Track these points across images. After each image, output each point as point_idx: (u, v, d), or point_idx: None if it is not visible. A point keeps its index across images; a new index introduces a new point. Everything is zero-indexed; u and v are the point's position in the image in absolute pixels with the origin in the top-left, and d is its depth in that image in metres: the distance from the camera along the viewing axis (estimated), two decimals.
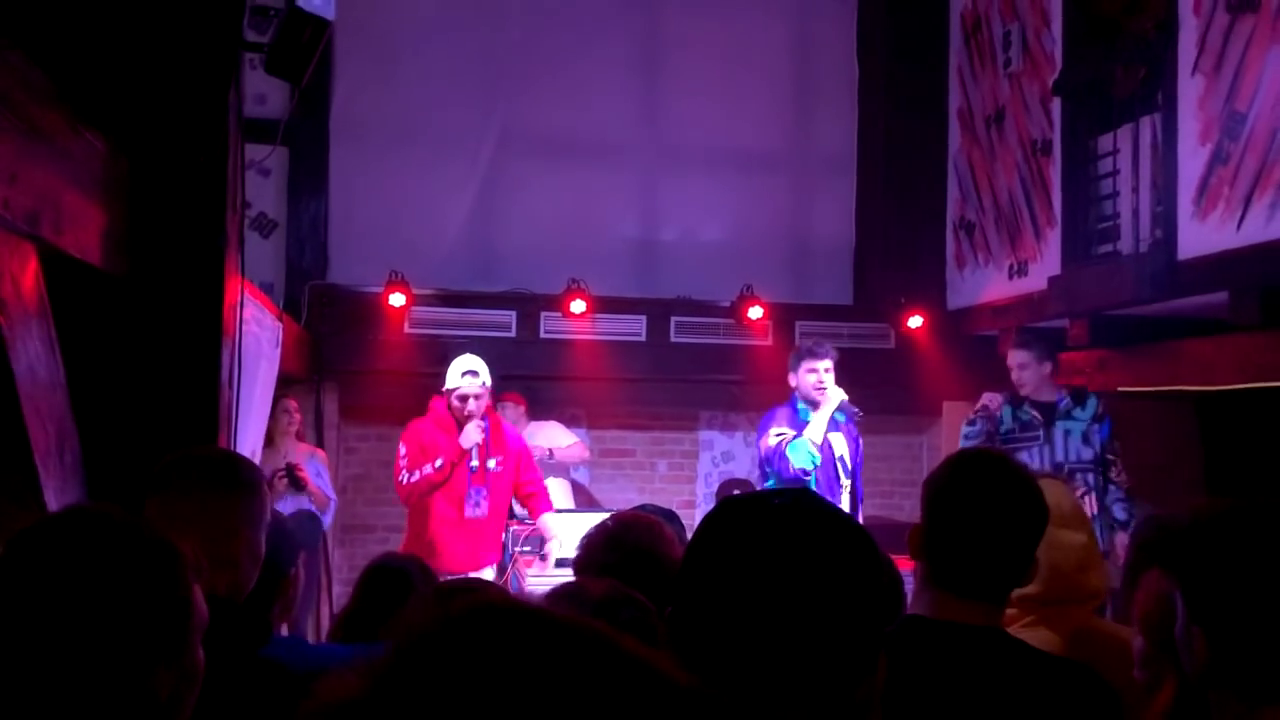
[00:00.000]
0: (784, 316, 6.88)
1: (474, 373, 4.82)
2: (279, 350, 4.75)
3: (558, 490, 6.04)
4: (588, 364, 6.71)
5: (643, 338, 6.84)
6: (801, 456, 4.59)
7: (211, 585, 1.58)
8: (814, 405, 4.75)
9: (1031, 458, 4.95)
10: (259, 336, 4.14)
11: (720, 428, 7.41)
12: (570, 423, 6.93)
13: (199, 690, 1.24)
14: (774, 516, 1.06)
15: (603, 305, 6.68)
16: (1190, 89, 4.72)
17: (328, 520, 5.85)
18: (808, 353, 4.81)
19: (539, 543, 5.15)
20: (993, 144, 6.54)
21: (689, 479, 7.39)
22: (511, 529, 5.23)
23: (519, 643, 0.56)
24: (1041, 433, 5.17)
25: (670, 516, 2.67)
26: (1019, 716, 1.56)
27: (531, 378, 6.54)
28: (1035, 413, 5.21)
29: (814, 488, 4.37)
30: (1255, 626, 1.22)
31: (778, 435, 4.69)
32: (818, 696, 1.00)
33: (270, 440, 5.75)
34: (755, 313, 6.71)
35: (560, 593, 1.67)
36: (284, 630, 2.38)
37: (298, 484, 5.52)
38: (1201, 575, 1.27)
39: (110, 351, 2.82)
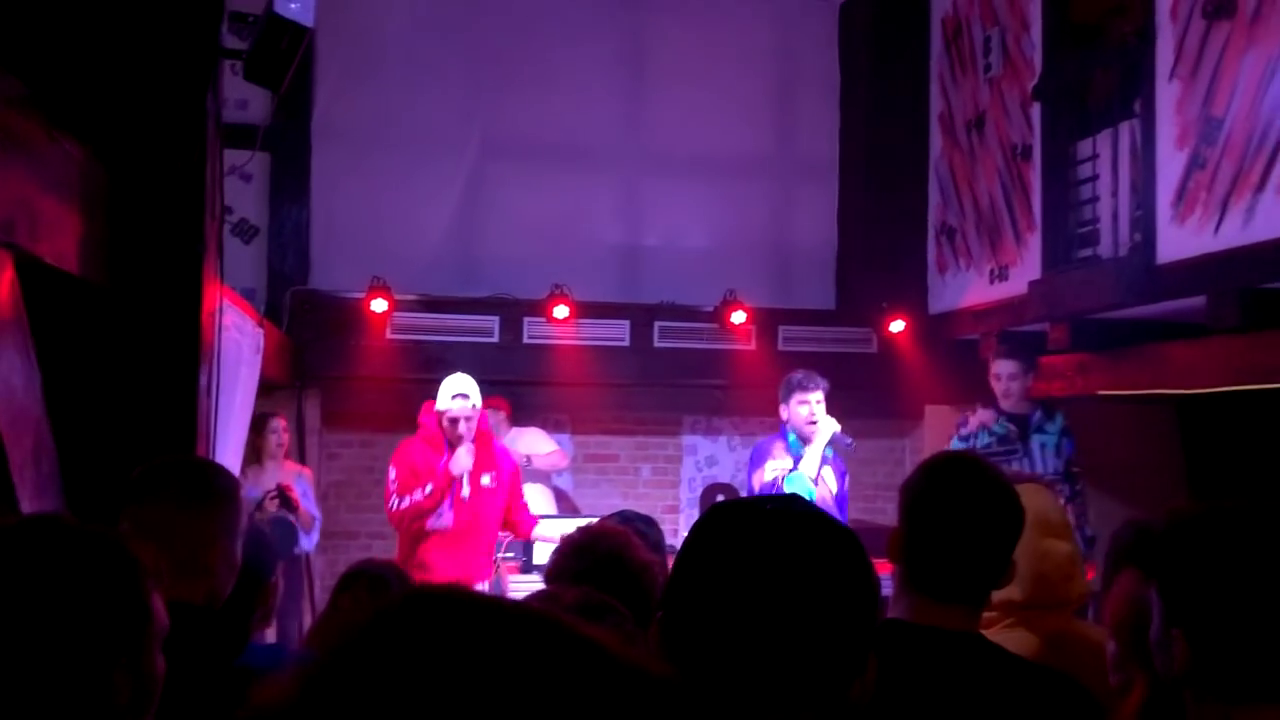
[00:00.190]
0: (767, 321, 6.89)
1: (465, 395, 4.72)
2: (260, 356, 4.73)
3: (538, 497, 6.03)
4: (571, 369, 6.71)
5: (626, 343, 6.84)
6: (800, 492, 4.58)
7: (188, 594, 1.58)
8: (805, 440, 4.65)
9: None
10: (239, 343, 4.12)
11: (704, 432, 7.42)
12: (554, 428, 6.92)
13: (160, 697, 1.24)
14: (768, 521, 1.08)
15: (586, 310, 6.67)
16: (1168, 94, 4.75)
17: (313, 539, 5.80)
18: (798, 385, 4.68)
19: (521, 549, 5.13)
20: (973, 149, 6.57)
21: (673, 484, 7.39)
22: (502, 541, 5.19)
23: (453, 630, 0.54)
24: (1020, 446, 5.19)
25: (649, 522, 2.67)
26: None
27: (515, 383, 6.53)
28: (1012, 425, 5.24)
29: None
30: (1236, 627, 1.23)
31: (774, 469, 4.59)
32: (812, 697, 1.02)
33: (259, 459, 5.72)
34: (738, 318, 6.73)
35: (533, 599, 1.67)
36: (271, 637, 2.37)
37: (290, 505, 5.50)
38: (1181, 577, 1.28)
39: (88, 359, 2.80)
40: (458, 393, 4.74)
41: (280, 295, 6.56)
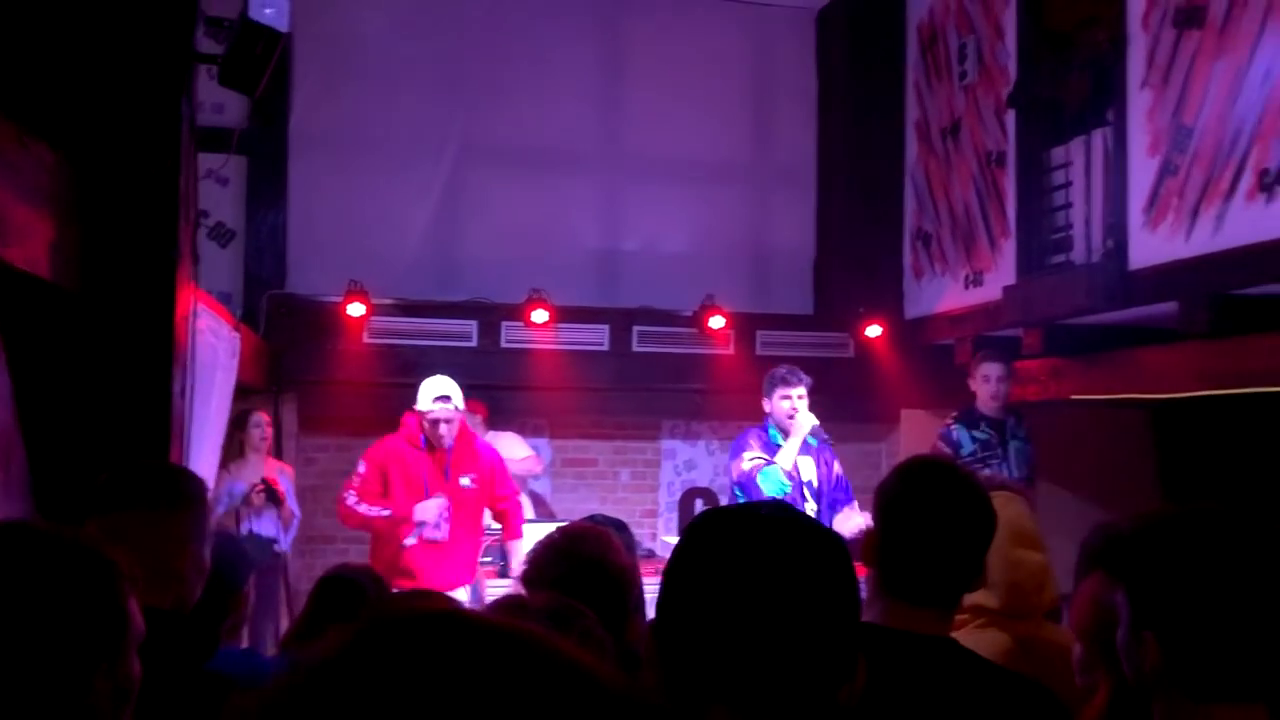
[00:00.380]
0: (745, 326, 6.92)
1: (446, 398, 4.69)
2: (236, 360, 4.71)
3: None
4: (550, 374, 6.71)
5: (605, 347, 6.84)
6: (772, 484, 4.65)
7: (157, 599, 1.57)
8: (786, 433, 4.79)
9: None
10: (215, 347, 4.10)
11: (683, 436, 7.43)
12: (532, 432, 6.91)
13: (135, 701, 1.24)
14: (762, 527, 1.09)
15: (564, 315, 6.67)
16: (1139, 102, 4.81)
17: (291, 535, 5.80)
18: (781, 380, 4.83)
19: (499, 553, 5.12)
20: (949, 155, 6.62)
21: (651, 488, 7.39)
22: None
23: (417, 653, 0.54)
24: (999, 450, 5.25)
25: (620, 526, 2.67)
26: None
27: (493, 387, 6.52)
28: (992, 431, 5.29)
29: None
30: (1208, 627, 1.25)
31: (751, 460, 4.72)
32: (806, 700, 1.03)
33: (242, 454, 5.70)
34: (717, 322, 6.74)
35: (501, 605, 1.66)
36: (244, 641, 2.36)
37: (275, 499, 5.48)
38: (1152, 579, 1.29)
39: (61, 364, 2.79)
40: (439, 395, 4.71)
41: (257, 299, 6.53)
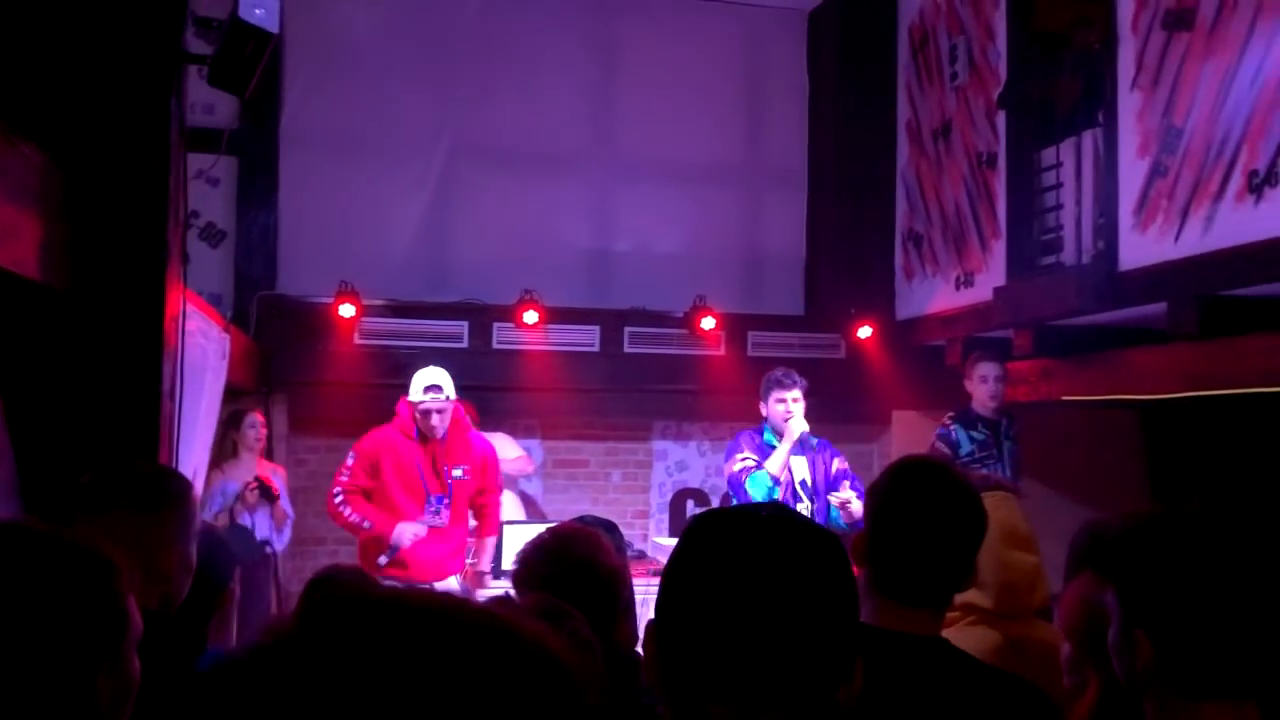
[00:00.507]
0: (736, 327, 6.92)
1: (437, 388, 4.73)
2: (226, 362, 4.69)
3: (507, 503, 6.01)
4: (541, 374, 6.70)
5: (596, 348, 6.84)
6: (759, 489, 4.68)
7: (144, 599, 1.57)
8: (781, 435, 4.82)
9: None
10: (204, 348, 4.08)
11: (674, 437, 7.43)
12: (524, 433, 6.91)
13: (133, 701, 1.24)
14: (762, 528, 1.09)
15: (556, 316, 6.67)
16: (1129, 104, 4.82)
17: (285, 536, 5.79)
18: (776, 383, 4.86)
19: (469, 550, 5.14)
20: (940, 157, 6.63)
21: (643, 489, 7.39)
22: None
23: (359, 632, 0.56)
24: (995, 451, 5.27)
25: (610, 527, 2.67)
26: None
27: (484, 388, 6.51)
28: (987, 431, 5.31)
29: None
30: (1199, 625, 1.25)
31: (742, 461, 4.75)
32: (804, 700, 1.04)
33: (235, 454, 5.69)
34: (708, 323, 6.75)
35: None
36: (234, 642, 2.35)
37: (270, 496, 5.47)
38: (1144, 578, 1.30)
39: (49, 365, 2.77)
40: (430, 385, 4.74)
41: (247, 300, 6.51)
